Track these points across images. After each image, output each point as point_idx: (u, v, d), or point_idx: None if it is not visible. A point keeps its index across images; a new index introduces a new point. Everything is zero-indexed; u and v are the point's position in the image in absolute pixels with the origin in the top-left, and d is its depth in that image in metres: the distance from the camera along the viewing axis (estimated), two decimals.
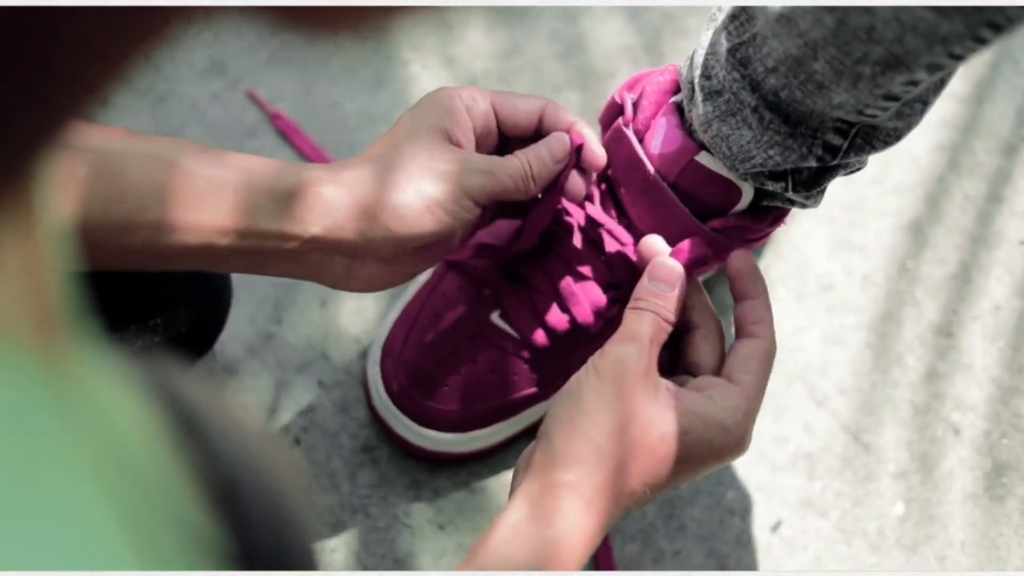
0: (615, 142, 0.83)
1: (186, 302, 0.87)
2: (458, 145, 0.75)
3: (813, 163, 0.77)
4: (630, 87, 0.85)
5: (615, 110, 0.85)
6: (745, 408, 0.72)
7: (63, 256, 0.30)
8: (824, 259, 1.04)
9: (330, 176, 0.72)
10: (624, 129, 0.82)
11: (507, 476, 0.97)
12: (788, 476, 0.99)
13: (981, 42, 0.65)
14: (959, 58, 0.67)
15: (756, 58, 0.74)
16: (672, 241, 0.80)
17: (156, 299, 0.85)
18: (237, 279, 0.96)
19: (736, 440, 0.71)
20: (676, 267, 0.75)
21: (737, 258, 0.75)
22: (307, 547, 0.42)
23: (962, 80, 1.10)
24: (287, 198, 0.70)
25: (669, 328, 0.73)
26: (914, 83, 0.69)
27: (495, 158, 0.76)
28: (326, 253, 0.72)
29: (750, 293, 0.75)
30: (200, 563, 0.33)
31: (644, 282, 0.74)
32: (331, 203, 0.71)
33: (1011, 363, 1.03)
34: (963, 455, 1.00)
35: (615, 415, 0.68)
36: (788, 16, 0.70)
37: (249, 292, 1.00)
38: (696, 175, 0.81)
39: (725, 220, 0.82)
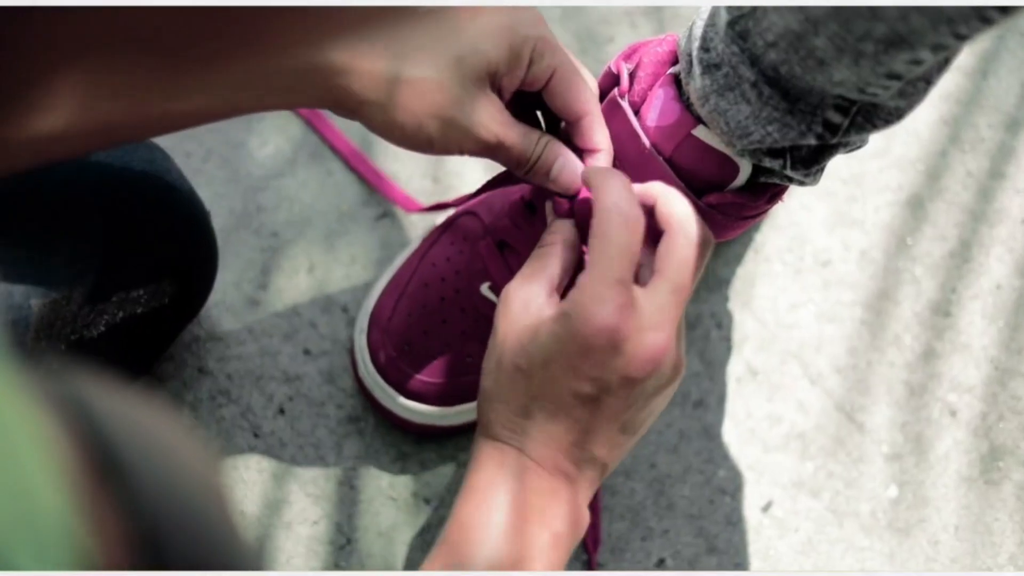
0: (610, 113, 0.81)
1: (171, 273, 0.85)
2: (498, 89, 0.74)
3: (812, 141, 0.75)
4: (627, 57, 0.82)
5: (611, 80, 0.82)
6: (599, 294, 0.67)
7: None
8: (822, 234, 1.02)
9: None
10: (620, 100, 0.80)
11: None
12: (780, 456, 0.97)
13: (987, 22, 0.63)
14: (964, 38, 0.64)
15: (756, 32, 0.72)
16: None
17: (140, 270, 0.83)
18: (222, 243, 0.95)
19: (600, 324, 0.67)
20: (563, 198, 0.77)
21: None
22: None
23: (967, 53, 1.08)
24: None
25: (554, 251, 0.74)
26: (917, 62, 0.67)
27: (513, 129, 0.74)
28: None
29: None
30: None
31: None
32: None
33: (1010, 344, 1.01)
34: (959, 437, 0.99)
35: (497, 345, 0.71)
36: None
37: (235, 257, 0.98)
38: (693, 150, 0.78)
39: (721, 196, 0.80)
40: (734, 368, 0.99)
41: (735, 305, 1.00)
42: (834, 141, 0.76)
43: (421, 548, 0.94)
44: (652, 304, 0.69)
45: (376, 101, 0.70)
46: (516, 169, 0.76)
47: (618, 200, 0.70)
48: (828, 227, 1.02)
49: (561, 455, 0.70)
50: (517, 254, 0.87)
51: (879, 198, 1.04)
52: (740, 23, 0.73)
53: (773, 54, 0.72)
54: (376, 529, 0.94)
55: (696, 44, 0.76)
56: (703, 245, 0.72)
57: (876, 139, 1.04)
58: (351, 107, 0.70)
